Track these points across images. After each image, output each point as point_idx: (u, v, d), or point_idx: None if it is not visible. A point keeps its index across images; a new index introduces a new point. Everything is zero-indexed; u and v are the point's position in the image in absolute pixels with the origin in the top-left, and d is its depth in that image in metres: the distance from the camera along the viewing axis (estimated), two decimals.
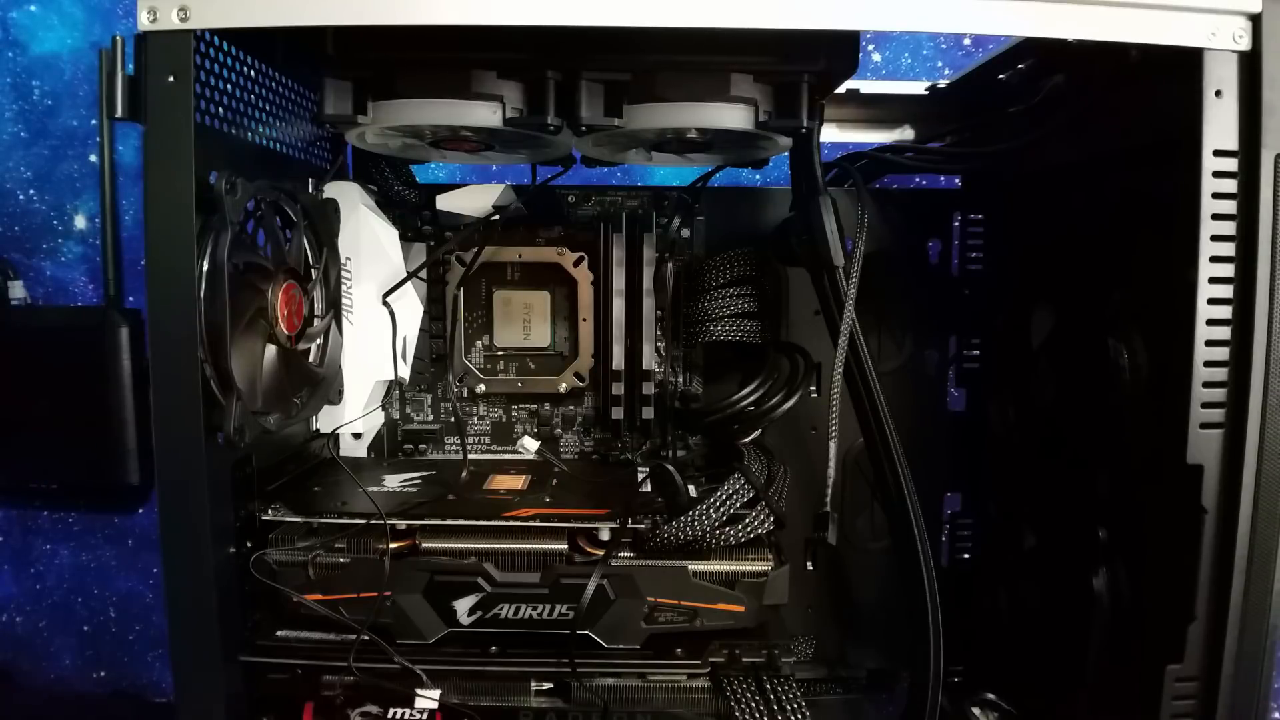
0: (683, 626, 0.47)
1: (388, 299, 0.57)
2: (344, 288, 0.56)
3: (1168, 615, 0.41)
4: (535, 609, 0.46)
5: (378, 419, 0.60)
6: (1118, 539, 0.47)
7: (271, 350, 0.46)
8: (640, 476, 0.54)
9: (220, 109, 0.43)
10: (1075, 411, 0.52)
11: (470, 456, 0.62)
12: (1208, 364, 0.40)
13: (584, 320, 0.61)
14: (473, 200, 0.60)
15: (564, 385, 0.62)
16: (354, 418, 0.57)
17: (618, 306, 0.58)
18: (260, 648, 0.46)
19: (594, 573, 0.46)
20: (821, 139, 0.50)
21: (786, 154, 0.53)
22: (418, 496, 0.50)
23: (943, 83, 0.63)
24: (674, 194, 0.62)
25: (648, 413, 0.59)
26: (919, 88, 0.64)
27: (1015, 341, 0.59)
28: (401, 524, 0.47)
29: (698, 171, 0.61)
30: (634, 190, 0.63)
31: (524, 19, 0.38)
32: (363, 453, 0.60)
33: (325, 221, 0.54)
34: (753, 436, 0.58)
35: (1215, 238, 0.39)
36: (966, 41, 0.81)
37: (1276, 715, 0.69)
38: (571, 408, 0.63)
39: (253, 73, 0.47)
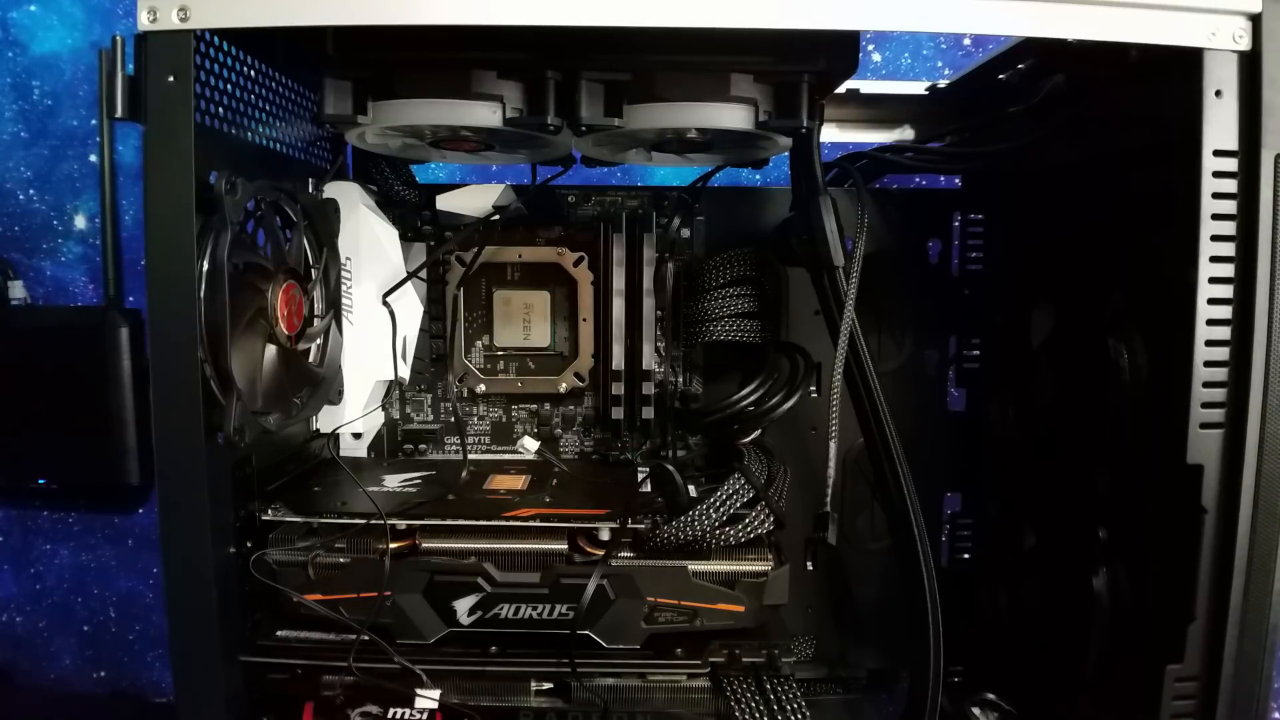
0: (683, 626, 0.47)
1: (388, 299, 0.57)
2: (344, 288, 0.56)
3: (1168, 615, 0.41)
4: (535, 609, 0.46)
5: (378, 419, 0.60)
6: (1118, 539, 0.47)
7: (271, 350, 0.46)
8: (640, 476, 0.54)
9: (220, 109, 0.43)
10: (1075, 411, 0.52)
11: (470, 456, 0.62)
12: (1208, 364, 0.40)
13: (584, 320, 0.61)
14: (473, 200, 0.60)
15: (564, 385, 0.62)
16: (354, 418, 0.57)
17: (618, 306, 0.58)
18: (260, 648, 0.46)
19: (594, 573, 0.46)
20: (821, 139, 0.50)
21: (786, 154, 0.53)
22: (418, 496, 0.50)
23: (943, 83, 0.63)
24: (674, 194, 0.62)
25: (648, 413, 0.59)
26: (919, 88, 0.64)
27: (1015, 341, 0.59)
28: (401, 524, 0.47)
29: (698, 171, 0.61)
30: (634, 190, 0.63)
31: (524, 19, 0.38)
32: (363, 453, 0.60)
33: (325, 221, 0.54)
34: (753, 436, 0.58)
35: (1215, 238, 0.39)
36: (966, 41, 0.81)
37: (1277, 715, 0.69)
38: (571, 408, 0.63)
39: (253, 73, 0.47)
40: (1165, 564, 0.42)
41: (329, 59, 0.45)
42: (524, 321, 0.62)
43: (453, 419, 0.63)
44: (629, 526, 0.47)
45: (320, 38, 0.44)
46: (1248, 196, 0.39)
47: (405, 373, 0.60)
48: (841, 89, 0.55)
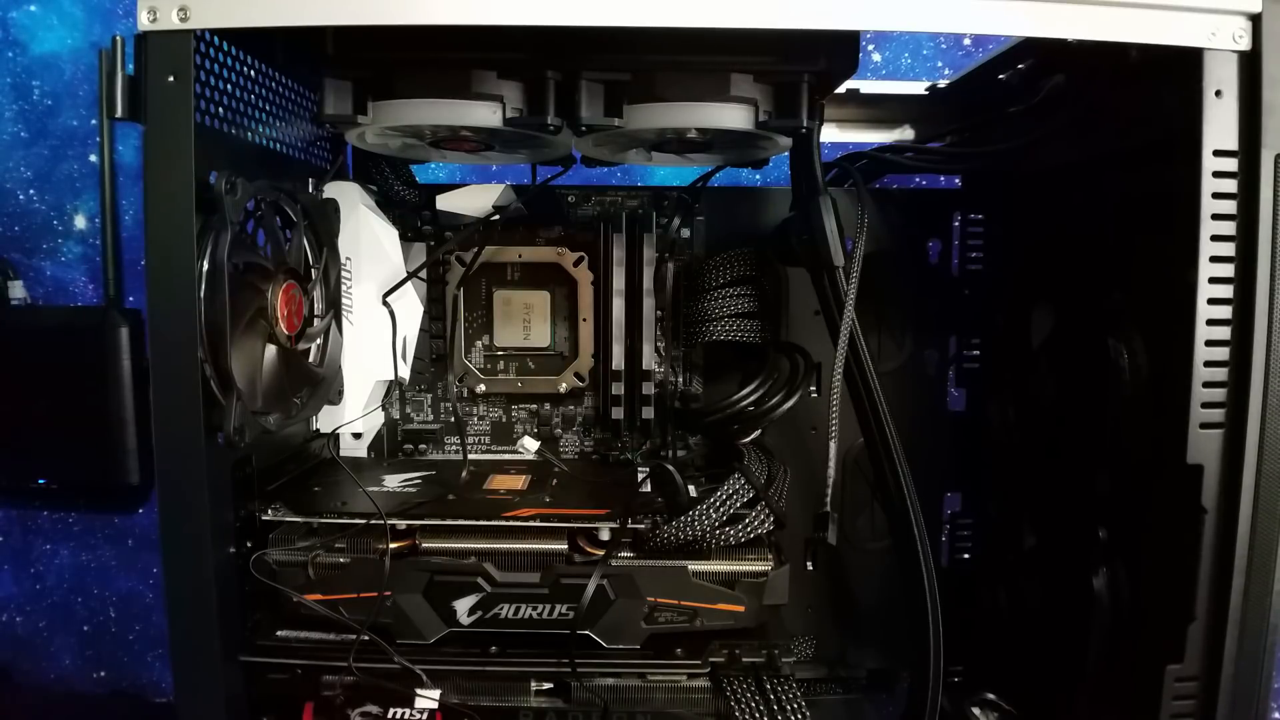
0: (683, 626, 0.47)
1: (388, 299, 0.57)
2: (344, 288, 0.56)
3: (1168, 615, 0.41)
4: (535, 609, 0.46)
5: (378, 419, 0.60)
6: (1118, 539, 0.47)
7: (271, 350, 0.46)
8: (640, 476, 0.54)
9: (220, 109, 0.43)
10: (1075, 411, 0.52)
11: (470, 456, 0.62)
12: (1208, 364, 0.40)
13: (584, 320, 0.61)
14: (473, 200, 0.60)
15: (564, 385, 0.62)
16: (354, 418, 0.57)
17: (618, 306, 0.58)
18: (260, 648, 0.46)
19: (594, 573, 0.46)
20: (821, 139, 0.50)
21: (786, 154, 0.53)
22: (418, 496, 0.50)
23: (943, 83, 0.63)
24: (674, 194, 0.62)
25: (648, 413, 0.59)
26: (919, 88, 0.64)
27: (1015, 341, 0.59)
28: (401, 524, 0.47)
29: (698, 171, 0.61)
30: (634, 190, 0.63)
31: (524, 19, 0.38)
32: (363, 453, 0.60)
33: (325, 221, 0.54)
34: (753, 436, 0.58)
35: (1215, 238, 0.39)
36: (966, 41, 0.81)
37: (1277, 715, 0.69)
38: (571, 408, 0.63)
39: (253, 73, 0.47)
40: (1165, 564, 0.42)
41: (329, 59, 0.45)
42: (524, 321, 0.62)
43: (453, 419, 0.63)
44: (629, 526, 0.47)
45: (320, 38, 0.44)
46: (1248, 196, 0.39)
47: (405, 373, 0.60)
48: (841, 89, 0.55)
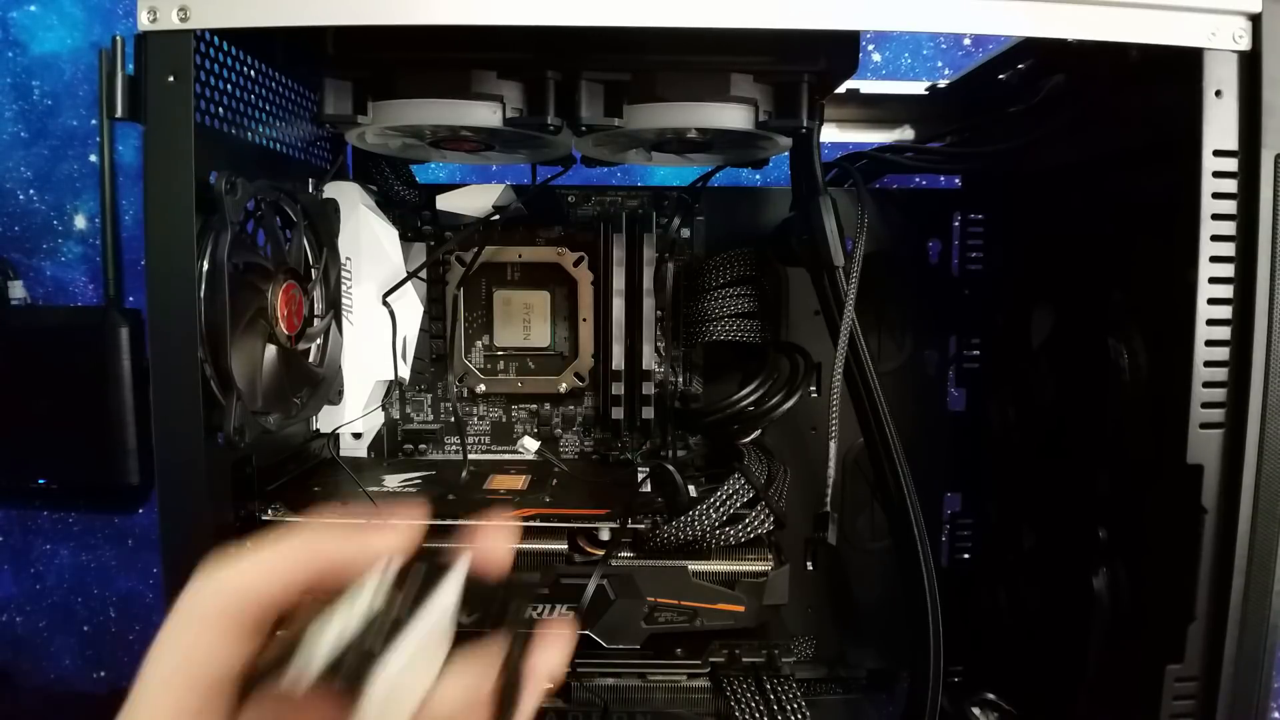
0: (683, 626, 0.47)
1: (388, 299, 0.57)
2: (344, 288, 0.56)
3: (1168, 615, 0.41)
4: (535, 609, 0.46)
5: (378, 419, 0.60)
6: (1118, 539, 0.47)
7: (271, 350, 0.46)
8: (640, 476, 0.54)
9: (220, 109, 0.42)
10: (1075, 411, 0.52)
11: (470, 456, 0.62)
12: (1208, 364, 0.39)
13: (584, 320, 0.61)
14: (473, 200, 0.60)
15: (564, 385, 0.62)
16: (354, 418, 0.57)
17: (618, 306, 0.58)
18: None
19: (594, 573, 0.46)
20: (821, 139, 0.50)
21: (786, 154, 0.53)
22: (418, 497, 0.50)
23: (943, 83, 0.63)
24: (674, 194, 0.62)
25: (648, 413, 0.59)
26: (919, 88, 0.64)
27: (1015, 341, 0.59)
28: (401, 524, 0.47)
29: (698, 171, 0.61)
30: (634, 190, 0.63)
31: (524, 19, 0.38)
32: (363, 453, 0.60)
33: (325, 221, 0.54)
34: (753, 436, 0.58)
35: (1215, 238, 0.39)
36: (966, 41, 0.81)
37: (1277, 715, 0.69)
38: (571, 408, 0.63)
39: (253, 73, 0.47)
40: (1165, 564, 0.42)
41: (329, 59, 0.45)
42: (524, 321, 0.62)
43: (453, 419, 0.63)
44: (629, 526, 0.47)
45: (320, 38, 0.44)
46: (1248, 196, 0.39)
47: (405, 373, 0.60)
48: (841, 89, 0.55)
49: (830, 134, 0.64)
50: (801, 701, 0.46)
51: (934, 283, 0.64)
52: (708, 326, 0.58)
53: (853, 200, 0.53)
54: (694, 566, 0.47)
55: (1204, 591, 0.40)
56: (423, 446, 0.63)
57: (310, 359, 0.52)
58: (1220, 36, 0.39)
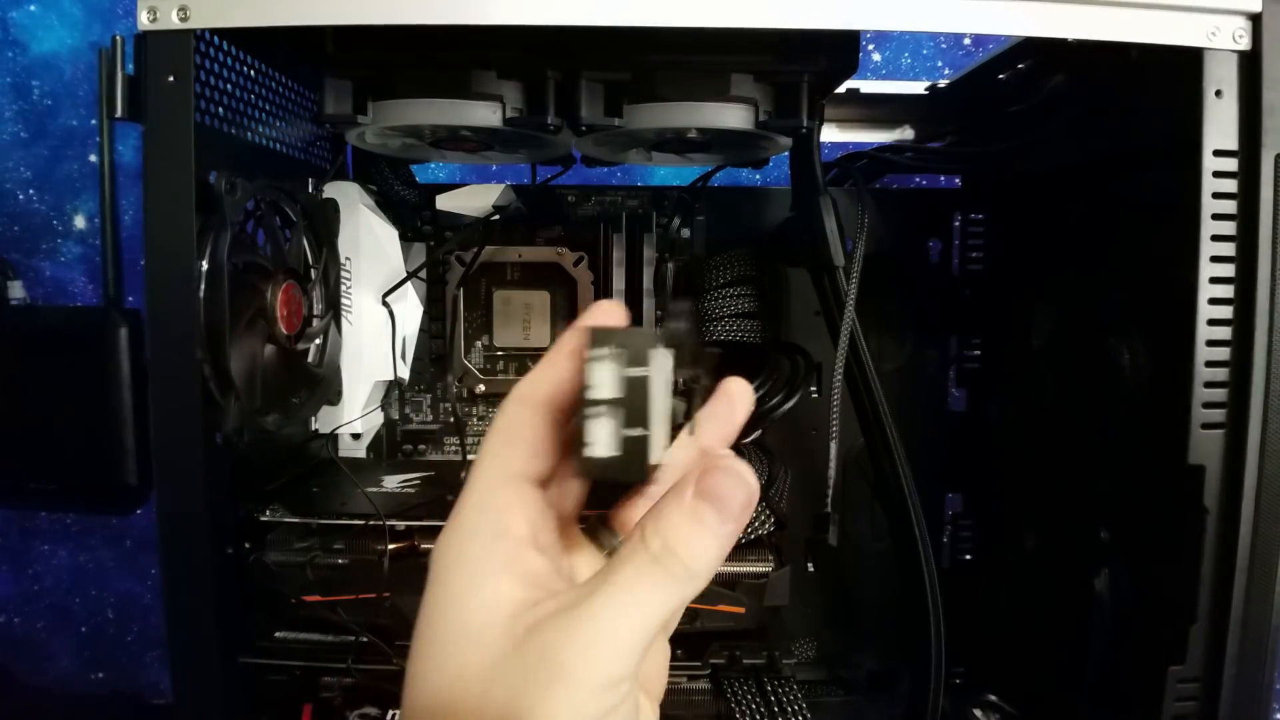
0: (683, 628, 0.47)
1: (387, 299, 0.56)
2: (343, 288, 0.55)
3: (1169, 616, 0.41)
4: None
5: (377, 419, 0.60)
6: (1119, 540, 0.47)
7: (271, 350, 0.46)
8: None
9: (220, 109, 0.42)
10: (1076, 412, 0.52)
11: (470, 457, 0.62)
12: (1209, 364, 0.39)
13: None
14: (472, 200, 0.60)
15: None
16: (353, 418, 0.57)
17: None
18: (259, 649, 0.46)
19: None
20: (822, 139, 0.50)
21: (786, 154, 0.53)
22: (417, 497, 0.50)
23: (943, 82, 0.63)
24: (674, 194, 0.62)
25: None
26: (919, 87, 0.64)
27: (1016, 342, 0.59)
28: (400, 525, 0.47)
29: (698, 171, 0.61)
30: (634, 190, 0.63)
31: (524, 19, 0.38)
32: (362, 453, 0.60)
33: (325, 221, 0.54)
34: (753, 437, 0.58)
35: (1216, 237, 0.39)
36: (966, 41, 0.81)
37: (1278, 716, 0.69)
38: None
39: (253, 72, 0.47)
40: (1167, 565, 0.42)
41: (329, 58, 0.45)
42: (524, 322, 0.62)
43: (452, 419, 0.62)
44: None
45: (320, 37, 0.44)
46: (1248, 196, 0.39)
47: (405, 373, 0.59)
48: (841, 89, 0.55)
49: (830, 134, 0.64)
50: (802, 703, 0.46)
51: (934, 283, 0.64)
52: (708, 327, 0.58)
53: (853, 200, 0.53)
54: None
55: (1205, 592, 0.40)
56: (422, 447, 0.63)
57: (309, 359, 0.51)
58: (1220, 36, 0.39)
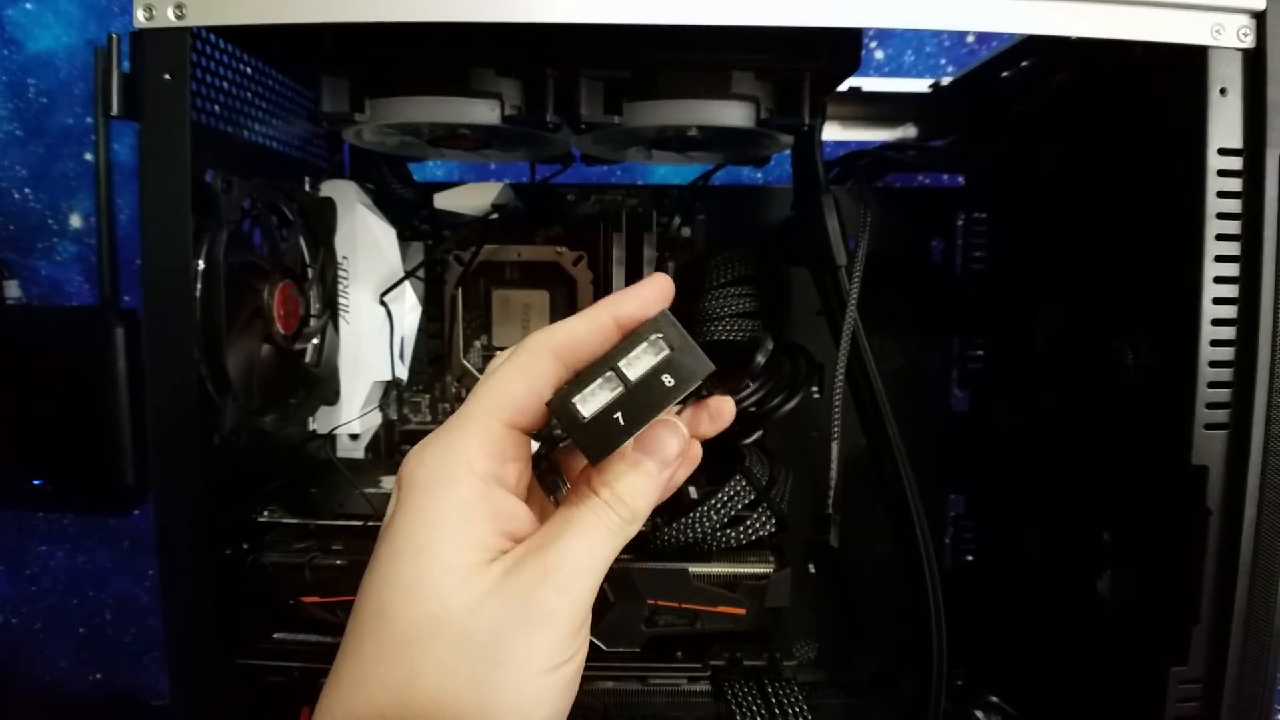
0: (683, 629, 0.47)
1: (385, 298, 0.56)
2: (341, 287, 0.55)
3: (1171, 617, 0.41)
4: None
5: (375, 420, 0.60)
6: (1121, 541, 0.47)
7: (268, 350, 0.45)
8: None
9: (216, 107, 0.42)
10: (1079, 412, 0.52)
11: None
12: (1212, 364, 0.39)
13: None
14: (471, 199, 0.59)
15: None
16: (351, 418, 0.56)
17: None
18: (257, 650, 0.46)
19: None
20: (824, 137, 0.49)
21: (788, 152, 0.53)
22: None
23: (946, 80, 0.63)
24: (674, 192, 0.62)
25: None
26: (922, 85, 0.64)
27: (1019, 342, 0.58)
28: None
29: (698, 169, 0.61)
30: (634, 189, 0.63)
31: (523, 16, 0.37)
32: (360, 454, 0.60)
33: (322, 220, 0.53)
34: (754, 438, 0.58)
35: (1220, 237, 0.39)
36: (970, 39, 0.81)
37: None
38: None
39: (249, 70, 0.46)
40: (1169, 566, 0.42)
41: (326, 56, 0.44)
42: (523, 321, 0.62)
43: None
44: None
45: (317, 35, 0.43)
46: (1252, 195, 0.39)
47: (403, 373, 0.59)
48: (843, 86, 0.54)
49: (832, 132, 0.64)
50: (803, 705, 0.46)
51: (937, 282, 0.64)
52: (708, 326, 0.57)
53: (855, 199, 0.53)
54: (695, 569, 0.46)
55: (1208, 593, 0.40)
56: None
57: (307, 359, 0.51)
58: (1225, 34, 0.38)
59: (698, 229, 0.62)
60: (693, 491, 0.49)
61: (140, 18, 0.38)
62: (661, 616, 0.46)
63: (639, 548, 0.47)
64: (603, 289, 0.59)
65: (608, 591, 0.46)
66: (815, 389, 0.61)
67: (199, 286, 0.39)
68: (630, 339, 0.26)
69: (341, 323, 0.55)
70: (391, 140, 0.53)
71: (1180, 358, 0.40)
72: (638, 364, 0.26)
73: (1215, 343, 0.39)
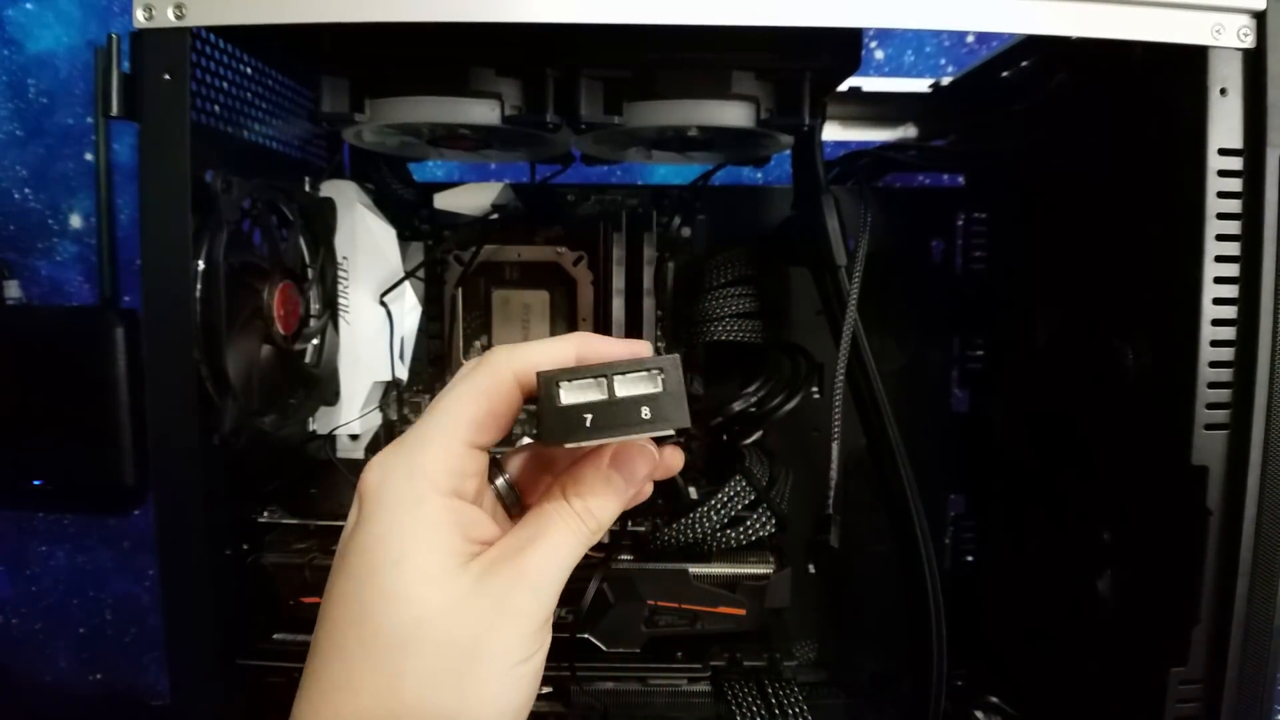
0: (683, 630, 0.47)
1: (385, 299, 0.56)
2: (340, 287, 0.55)
3: (1171, 618, 0.41)
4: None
5: (375, 420, 0.60)
6: (1121, 541, 0.47)
7: (267, 350, 0.45)
8: None
9: (216, 107, 0.42)
10: (1079, 413, 0.52)
11: None
12: (1212, 364, 0.39)
13: (583, 320, 0.61)
14: (471, 199, 0.59)
15: None
16: (351, 419, 0.56)
17: (617, 306, 0.58)
18: (257, 651, 0.46)
19: (594, 575, 0.45)
20: (824, 137, 0.49)
21: (788, 152, 0.53)
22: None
23: (946, 80, 0.63)
24: (674, 192, 0.62)
25: None
26: (922, 85, 0.64)
27: (1019, 342, 0.58)
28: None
29: (698, 169, 0.60)
30: (634, 189, 0.63)
31: (523, 16, 0.37)
32: (360, 454, 0.60)
33: (322, 220, 0.53)
34: (754, 438, 0.58)
35: (1220, 237, 0.39)
36: (970, 39, 0.81)
37: None
38: None
39: (249, 70, 0.46)
40: (1169, 566, 0.42)
41: (326, 56, 0.44)
42: (523, 322, 0.62)
43: None
44: (629, 528, 0.46)
45: (317, 35, 0.43)
46: (1252, 195, 0.38)
47: (403, 373, 0.59)
48: (844, 86, 0.54)
49: (832, 132, 0.64)
50: (803, 705, 0.46)
51: (937, 282, 0.64)
52: (708, 326, 0.57)
53: (855, 199, 0.53)
54: (695, 569, 0.46)
55: (1208, 594, 0.40)
56: None
57: (307, 359, 0.51)
58: (1225, 34, 0.38)
59: (698, 229, 0.62)
60: (693, 492, 0.49)
61: (140, 18, 0.38)
62: (661, 617, 0.46)
63: (639, 548, 0.47)
64: (603, 289, 0.59)
65: (608, 592, 0.46)
66: (815, 389, 0.61)
67: (199, 286, 0.39)
68: (639, 361, 0.27)
69: (341, 323, 0.55)
70: (391, 140, 0.53)
71: (1180, 358, 0.40)
72: (630, 385, 0.27)
73: (1215, 343, 0.39)
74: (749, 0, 0.37)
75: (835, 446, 0.47)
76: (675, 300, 0.61)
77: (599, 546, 0.47)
